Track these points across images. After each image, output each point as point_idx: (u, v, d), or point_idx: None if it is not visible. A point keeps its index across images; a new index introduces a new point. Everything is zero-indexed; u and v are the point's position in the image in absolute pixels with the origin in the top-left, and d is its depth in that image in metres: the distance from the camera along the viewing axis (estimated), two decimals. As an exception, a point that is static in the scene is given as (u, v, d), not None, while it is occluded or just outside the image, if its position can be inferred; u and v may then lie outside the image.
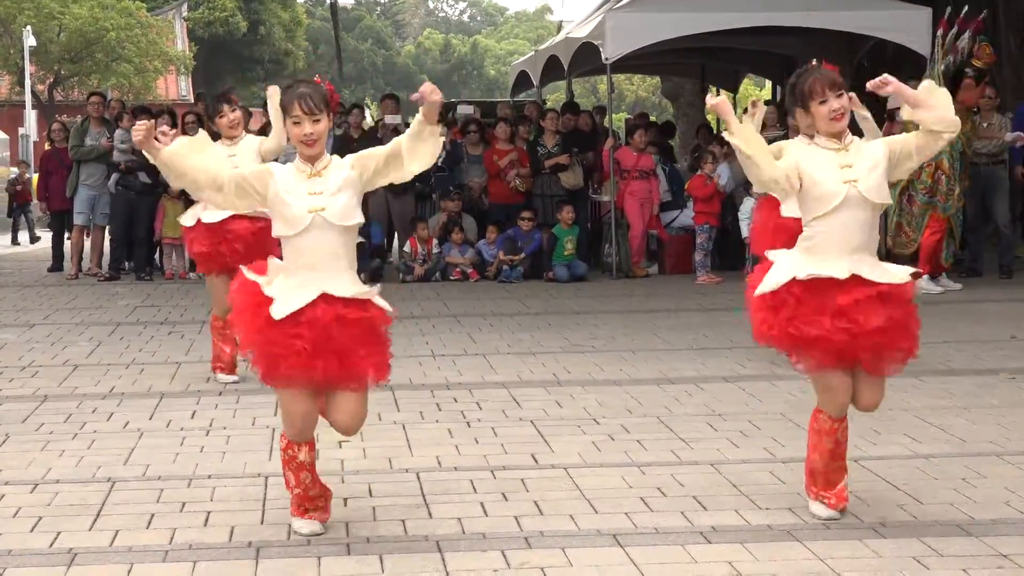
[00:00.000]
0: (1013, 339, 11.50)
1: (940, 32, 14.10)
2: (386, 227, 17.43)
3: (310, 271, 6.06)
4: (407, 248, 16.67)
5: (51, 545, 5.94)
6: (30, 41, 39.00)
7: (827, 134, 6.23)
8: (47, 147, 18.16)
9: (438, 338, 11.45)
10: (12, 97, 38.07)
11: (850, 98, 6.31)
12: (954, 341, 11.25)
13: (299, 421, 6.05)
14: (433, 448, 7.70)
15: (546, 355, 11.05)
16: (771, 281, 6.21)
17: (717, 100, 6.32)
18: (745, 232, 15.12)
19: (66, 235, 17.64)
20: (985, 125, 14.54)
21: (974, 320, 12.43)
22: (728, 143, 6.84)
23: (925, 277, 13.82)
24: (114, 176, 16.33)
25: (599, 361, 10.70)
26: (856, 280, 6.06)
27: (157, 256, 17.07)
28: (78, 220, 16.76)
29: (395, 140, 6.18)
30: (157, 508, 6.56)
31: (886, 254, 15.06)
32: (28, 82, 39.70)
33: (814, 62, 6.43)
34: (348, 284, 5.98)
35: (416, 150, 6.15)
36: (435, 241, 16.27)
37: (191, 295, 14.66)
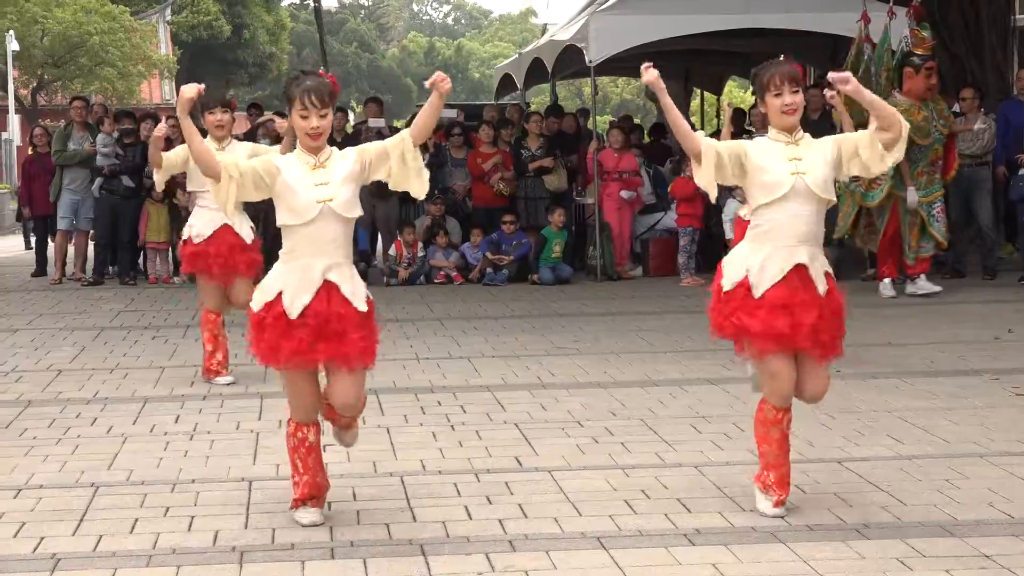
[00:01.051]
0: (996, 340, 11.55)
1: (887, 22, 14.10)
2: (370, 231, 17.43)
3: (314, 258, 6.14)
4: (392, 251, 16.70)
5: (34, 550, 5.95)
6: (13, 46, 39.02)
7: (778, 127, 6.34)
8: (30, 152, 18.18)
9: (422, 341, 11.48)
10: None
11: (832, 97, 6.39)
12: (937, 342, 11.35)
13: (305, 400, 6.20)
14: (417, 451, 7.73)
15: (530, 358, 11.09)
16: (728, 277, 6.38)
17: (651, 76, 6.38)
18: (729, 234, 15.10)
19: (49, 240, 17.61)
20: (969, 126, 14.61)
21: (957, 321, 12.49)
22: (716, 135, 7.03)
23: (922, 276, 13.89)
24: (98, 180, 16.35)
25: (583, 364, 10.74)
26: (800, 273, 6.20)
27: (141, 260, 17.05)
28: (61, 225, 16.79)
29: (399, 136, 6.27)
30: (141, 513, 6.57)
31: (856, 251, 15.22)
32: (11, 87, 39.81)
33: (781, 57, 6.48)
34: (348, 274, 6.14)
35: (403, 179, 6.29)
36: (420, 244, 16.30)
37: (175, 300, 14.70)
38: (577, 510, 6.56)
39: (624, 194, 16.44)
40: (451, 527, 6.30)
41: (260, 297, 6.27)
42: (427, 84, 6.32)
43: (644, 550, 5.89)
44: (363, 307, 6.24)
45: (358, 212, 6.26)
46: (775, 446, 6.40)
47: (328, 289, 6.15)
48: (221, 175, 6.18)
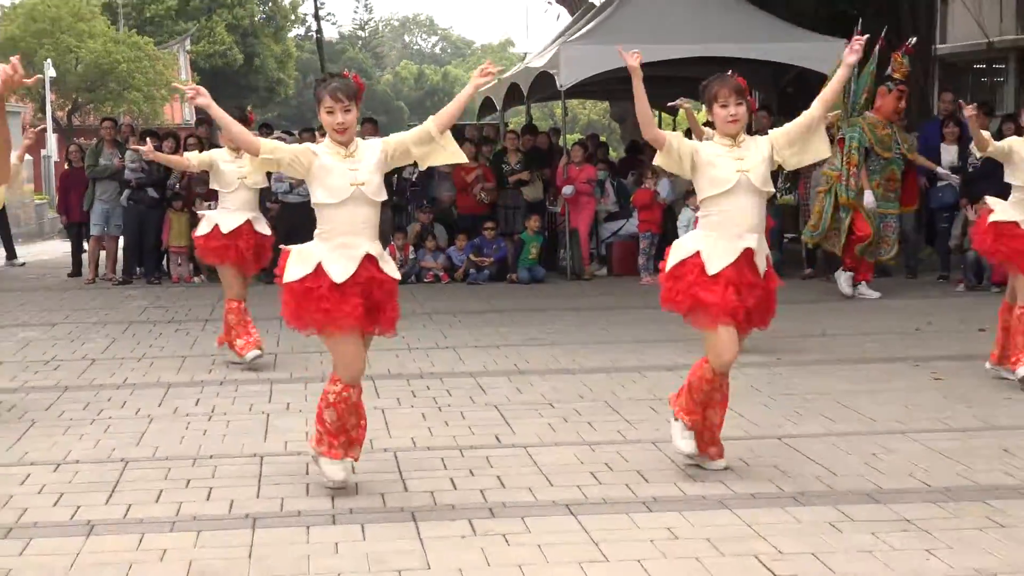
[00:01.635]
0: (917, 331, 11.60)
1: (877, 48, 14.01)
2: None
3: (351, 236, 6.17)
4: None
5: (71, 517, 6.01)
6: (50, 73, 38.88)
7: (723, 134, 6.41)
8: (66, 167, 18.12)
9: (413, 333, 11.41)
10: (35, 122, 38.05)
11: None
12: (867, 333, 11.40)
13: (355, 361, 6.19)
14: (409, 430, 7.76)
15: (508, 347, 11.10)
16: (675, 257, 6.43)
17: (633, 62, 6.46)
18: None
19: (83, 244, 17.63)
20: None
21: (884, 315, 12.55)
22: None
23: (863, 284, 13.83)
24: (125, 192, 16.34)
25: (555, 353, 10.75)
26: (748, 257, 6.29)
27: (165, 263, 17.02)
28: (94, 231, 16.74)
29: (421, 128, 6.30)
30: (165, 484, 6.63)
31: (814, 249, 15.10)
32: (49, 109, 39.55)
33: (731, 72, 6.58)
34: (379, 250, 6.20)
35: (432, 156, 6.37)
36: (411, 248, 16.23)
37: (195, 297, 14.68)
38: (549, 481, 6.62)
39: (566, 190, 16.32)
40: (438, 496, 6.38)
41: (298, 269, 6.21)
42: (479, 72, 6.36)
43: (608, 516, 5.99)
44: (397, 275, 6.34)
45: (384, 196, 6.27)
46: (699, 393, 6.47)
47: (369, 260, 6.17)
48: (260, 149, 6.23)
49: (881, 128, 13.36)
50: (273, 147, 6.29)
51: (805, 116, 6.48)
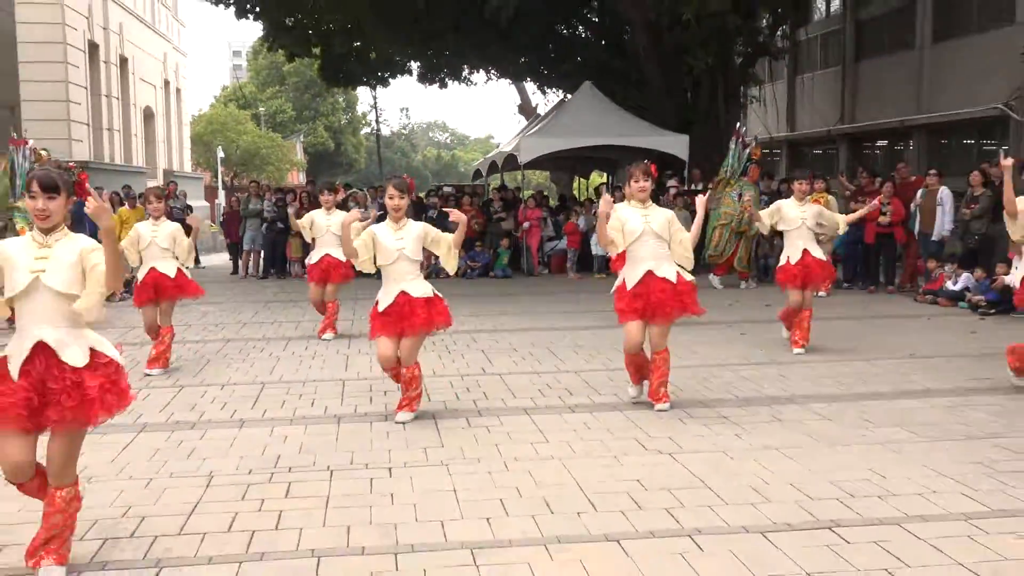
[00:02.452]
0: (730, 306, 12.35)
1: (736, 140, 14.78)
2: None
3: (396, 283, 6.30)
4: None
5: (231, 417, 6.53)
6: (220, 154, 45.43)
7: (635, 200, 6.61)
8: (229, 209, 18.99)
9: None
10: (211, 183, 41.68)
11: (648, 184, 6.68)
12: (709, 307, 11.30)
13: (389, 352, 6.40)
14: (429, 365, 8.18)
15: (488, 316, 11.73)
16: (617, 283, 6.74)
17: (606, 205, 6.42)
18: (596, 251, 16.56)
19: (239, 256, 18.61)
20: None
21: (710, 297, 12.62)
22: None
23: (717, 277, 14.59)
24: (264, 224, 17.74)
25: (518, 318, 11.43)
26: (650, 275, 6.50)
27: (287, 267, 17.95)
28: (245, 247, 18.07)
29: (448, 239, 6.46)
30: (287, 397, 7.22)
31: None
32: (220, 174, 45.70)
33: (645, 161, 6.76)
34: (420, 286, 6.39)
35: (444, 259, 6.56)
36: (432, 257, 17.18)
37: (303, 290, 13.67)
38: (513, 395, 7.21)
39: (524, 224, 17.76)
40: (449, 404, 6.91)
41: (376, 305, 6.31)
42: (452, 219, 6.40)
43: (549, 416, 6.49)
44: (428, 295, 6.36)
45: (420, 258, 6.40)
46: (632, 368, 6.77)
47: (406, 294, 6.33)
48: (358, 255, 6.40)
49: (746, 188, 14.21)
50: (362, 247, 6.35)
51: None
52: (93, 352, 3.93)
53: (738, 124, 15.20)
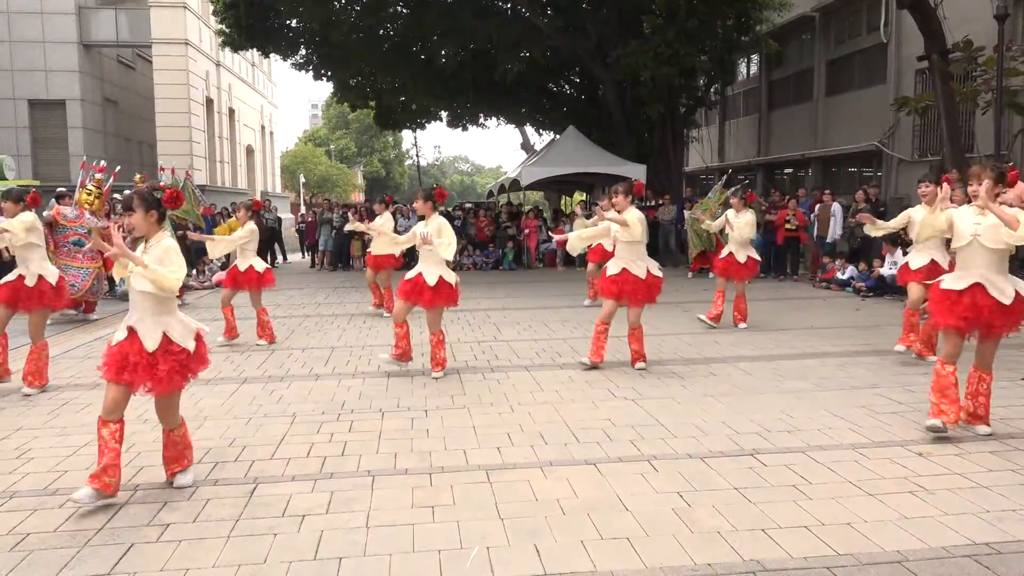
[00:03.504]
0: (677, 291, 11.79)
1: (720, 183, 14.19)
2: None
3: (419, 263, 6.01)
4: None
5: (321, 371, 6.29)
6: (301, 179, 46.65)
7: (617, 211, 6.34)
8: (308, 219, 18.88)
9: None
10: (295, 201, 42.05)
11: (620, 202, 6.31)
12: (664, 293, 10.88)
13: (402, 313, 6.12)
14: (453, 335, 8.20)
15: (497, 297, 11.48)
16: (607, 273, 6.36)
17: (561, 240, 6.45)
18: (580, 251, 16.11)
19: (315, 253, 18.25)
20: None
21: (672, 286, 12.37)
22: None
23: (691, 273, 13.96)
24: (333, 231, 17.48)
25: (522, 300, 11.17)
26: (624, 270, 6.28)
27: (350, 262, 17.56)
28: (320, 247, 17.80)
29: (450, 247, 5.99)
30: (351, 358, 6.99)
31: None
32: (301, 195, 45.98)
33: (633, 179, 6.48)
34: (436, 271, 6.00)
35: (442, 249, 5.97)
36: (458, 253, 16.71)
37: (362, 280, 13.70)
38: (517, 355, 7.06)
39: (525, 231, 17.38)
40: (469, 362, 6.83)
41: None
42: (421, 241, 5.91)
43: (547, 372, 6.30)
44: (447, 281, 5.96)
45: (432, 245, 5.95)
46: (599, 338, 6.40)
47: (421, 276, 5.99)
48: (403, 241, 6.31)
49: (714, 207, 13.44)
50: (406, 240, 6.26)
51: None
52: (166, 338, 3.78)
53: (731, 189, 14.17)
